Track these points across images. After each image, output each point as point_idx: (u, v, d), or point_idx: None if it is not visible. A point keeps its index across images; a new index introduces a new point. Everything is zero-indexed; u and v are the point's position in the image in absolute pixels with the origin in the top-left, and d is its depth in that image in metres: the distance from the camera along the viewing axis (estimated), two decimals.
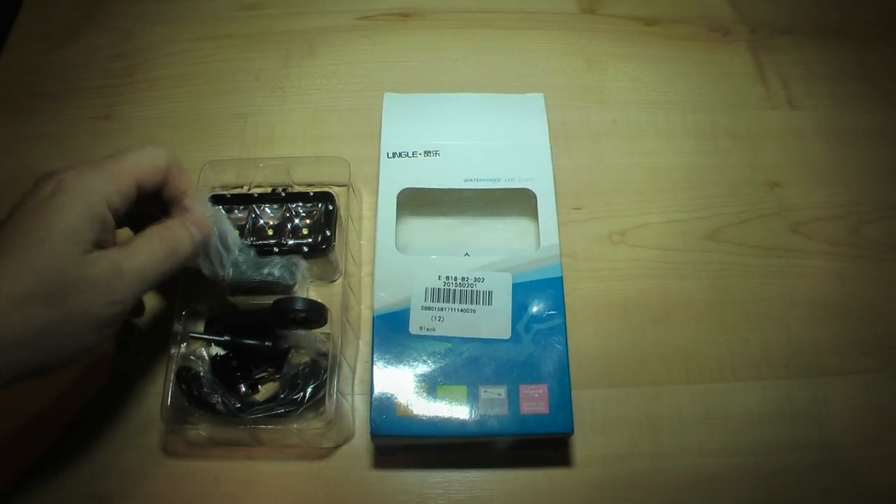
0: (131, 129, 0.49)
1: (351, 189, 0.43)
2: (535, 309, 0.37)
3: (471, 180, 0.41)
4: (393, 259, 0.39)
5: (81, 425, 0.38)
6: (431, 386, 0.35)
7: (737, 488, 0.38)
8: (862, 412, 0.40)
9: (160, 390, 0.36)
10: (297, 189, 0.43)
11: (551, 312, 0.37)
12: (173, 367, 0.36)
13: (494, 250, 0.40)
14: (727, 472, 0.38)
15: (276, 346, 0.37)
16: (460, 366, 0.36)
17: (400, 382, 0.35)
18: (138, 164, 0.32)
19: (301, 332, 0.37)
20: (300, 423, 0.36)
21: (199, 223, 0.34)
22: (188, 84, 0.51)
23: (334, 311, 0.38)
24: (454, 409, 0.35)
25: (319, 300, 0.37)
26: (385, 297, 0.37)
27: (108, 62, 0.52)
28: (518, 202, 0.42)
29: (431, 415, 0.34)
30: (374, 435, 0.35)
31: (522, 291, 0.37)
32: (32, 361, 0.28)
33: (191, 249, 0.33)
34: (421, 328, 0.37)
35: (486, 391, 0.35)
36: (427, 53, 0.52)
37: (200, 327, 0.39)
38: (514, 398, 0.35)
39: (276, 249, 0.39)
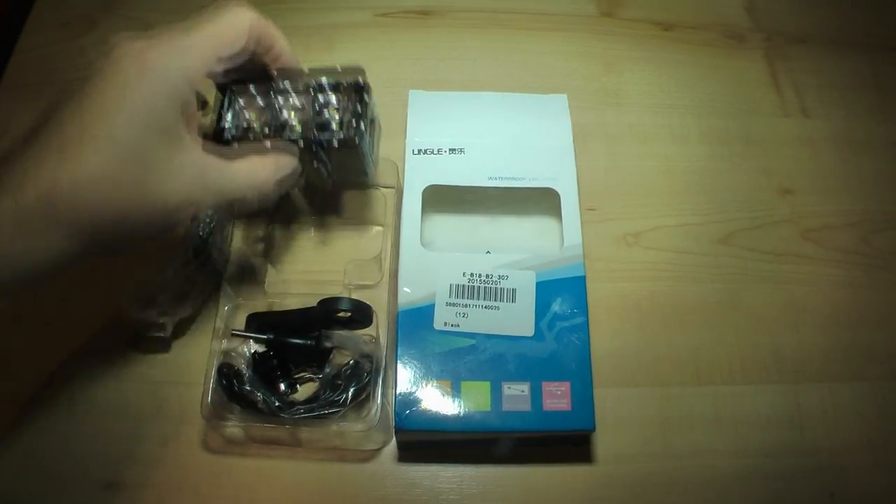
0: None
1: (398, 191, 0.43)
2: (557, 307, 0.37)
3: (495, 178, 0.41)
4: (417, 255, 0.39)
5: (117, 421, 0.39)
6: (455, 381, 0.35)
7: (745, 490, 0.38)
8: (869, 419, 0.40)
9: (200, 386, 0.36)
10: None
11: (574, 311, 0.37)
12: (214, 363, 0.36)
13: (518, 248, 0.41)
14: (736, 473, 0.38)
15: (318, 346, 0.37)
16: (484, 362, 0.36)
17: (424, 378, 0.36)
18: (219, 37, 0.30)
19: (344, 333, 0.37)
20: (342, 424, 0.36)
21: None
22: None
23: (380, 314, 0.38)
24: (478, 405, 0.35)
25: (365, 301, 0.37)
26: (409, 293, 0.38)
27: None
28: (541, 201, 0.42)
29: (455, 410, 0.35)
30: (398, 430, 0.35)
31: (545, 290, 0.38)
32: (107, 239, 0.28)
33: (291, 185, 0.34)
34: (445, 324, 0.37)
35: (509, 387, 0.35)
36: (445, 52, 0.53)
37: (242, 323, 0.39)
38: (536, 395, 0.35)
39: (300, 144, 0.34)
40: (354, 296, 0.38)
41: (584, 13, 0.55)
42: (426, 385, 0.35)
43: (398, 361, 0.36)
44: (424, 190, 0.41)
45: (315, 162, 0.36)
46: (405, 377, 0.35)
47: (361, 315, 0.36)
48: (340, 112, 0.35)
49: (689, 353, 0.42)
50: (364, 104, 0.35)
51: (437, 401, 0.35)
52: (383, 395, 0.36)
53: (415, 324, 0.37)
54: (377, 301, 0.39)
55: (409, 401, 0.35)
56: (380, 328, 0.38)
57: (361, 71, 0.36)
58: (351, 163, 0.37)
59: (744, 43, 0.54)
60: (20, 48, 0.53)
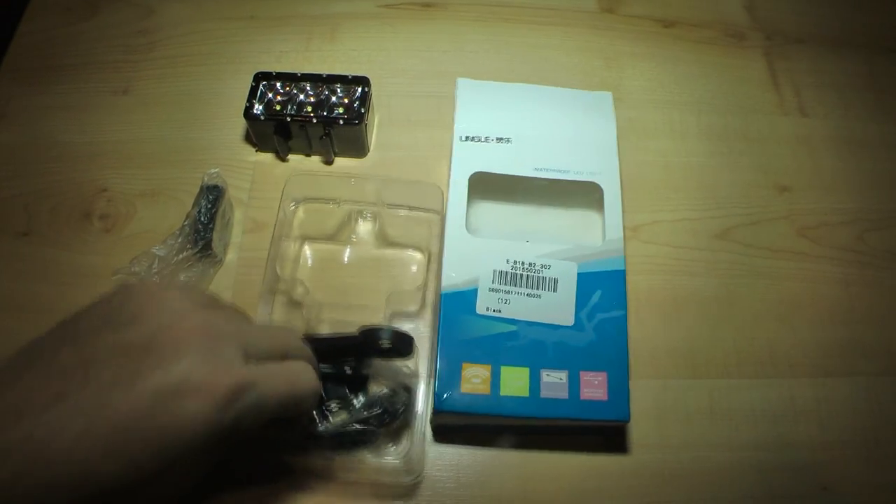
0: (149, 104, 0.49)
1: (443, 215, 0.41)
2: (597, 299, 0.38)
3: (541, 170, 0.42)
4: (462, 240, 0.39)
5: None
6: (495, 366, 0.36)
7: (738, 482, 0.38)
8: (862, 414, 0.41)
9: None
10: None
11: (613, 303, 0.38)
12: None
13: (560, 239, 0.41)
14: (730, 465, 0.39)
15: (356, 374, 0.36)
16: (523, 348, 0.36)
17: (464, 361, 0.36)
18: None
19: (384, 362, 0.36)
20: (375, 457, 0.35)
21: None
22: (209, 63, 0.51)
23: (419, 343, 0.37)
24: (516, 390, 0.35)
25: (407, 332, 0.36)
26: (454, 277, 0.38)
27: (128, 38, 0.52)
28: (584, 195, 0.42)
29: (494, 394, 0.35)
30: (437, 411, 0.35)
31: (586, 281, 0.38)
32: None
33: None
34: (487, 309, 0.37)
35: (548, 375, 0.36)
36: (447, 44, 0.53)
37: None
38: (574, 383, 0.36)
39: (314, 121, 0.43)
40: (394, 322, 0.38)
41: (585, 8, 0.55)
42: (466, 368, 0.35)
43: (440, 344, 0.36)
44: (471, 176, 0.41)
45: (323, 136, 0.44)
46: (446, 359, 0.36)
47: (403, 346, 0.35)
48: (347, 100, 0.45)
49: (684, 346, 0.42)
50: (364, 94, 0.45)
51: (477, 384, 0.35)
52: (421, 431, 0.35)
53: (457, 307, 0.37)
54: (416, 329, 0.39)
55: (448, 383, 0.35)
56: (419, 359, 0.37)
57: (367, 80, 0.45)
58: (352, 138, 0.45)
59: (743, 41, 0.55)
60: (21, 32, 0.53)
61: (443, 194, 0.42)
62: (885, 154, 0.50)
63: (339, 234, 0.44)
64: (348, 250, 0.43)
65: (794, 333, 0.43)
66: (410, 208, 0.43)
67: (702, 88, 0.52)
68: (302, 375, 0.30)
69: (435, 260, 0.41)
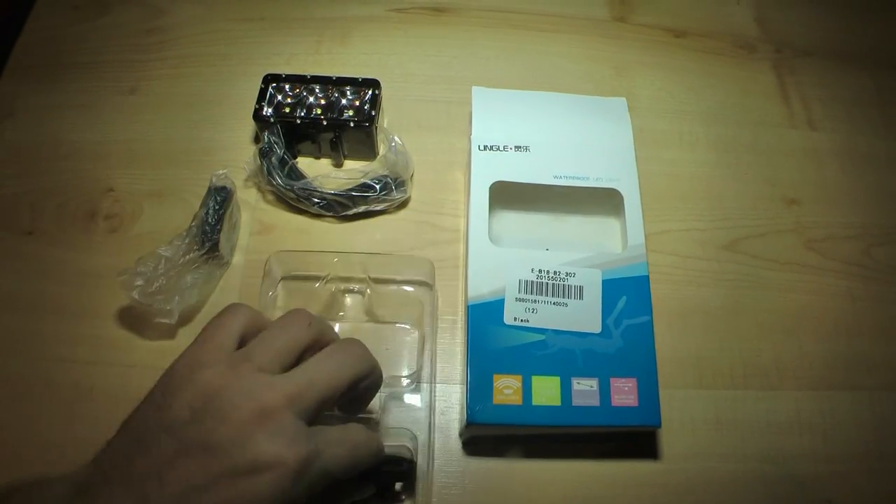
0: (157, 105, 0.49)
1: (435, 290, 0.41)
2: (622, 305, 0.38)
3: (560, 177, 0.41)
4: (486, 250, 0.39)
5: (118, 407, 0.36)
6: (526, 376, 0.36)
7: (744, 494, 0.39)
8: (866, 427, 0.41)
9: None
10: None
11: (639, 309, 0.38)
12: None
13: (582, 247, 0.41)
14: (735, 477, 0.39)
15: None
16: (553, 357, 0.36)
17: (495, 372, 0.36)
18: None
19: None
20: None
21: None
22: (219, 63, 0.51)
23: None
24: (548, 399, 0.35)
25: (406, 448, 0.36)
26: (480, 288, 0.38)
27: (137, 37, 0.52)
28: (604, 201, 0.42)
29: (526, 404, 0.35)
30: (470, 423, 0.35)
31: (611, 288, 0.38)
32: None
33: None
34: (515, 319, 0.37)
35: (578, 383, 0.36)
36: (458, 49, 0.53)
37: None
38: (605, 390, 0.36)
39: (324, 123, 0.44)
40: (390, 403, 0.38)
41: (596, 17, 0.56)
42: (497, 380, 0.35)
43: (469, 356, 0.36)
44: (491, 186, 0.41)
45: (333, 139, 0.45)
46: (476, 370, 0.36)
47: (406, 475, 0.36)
48: (357, 102, 0.45)
49: (690, 356, 0.42)
50: (375, 96, 0.45)
51: (508, 395, 0.35)
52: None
53: (485, 318, 0.37)
54: (411, 411, 0.39)
55: (480, 394, 0.35)
56: (418, 451, 0.37)
57: (377, 83, 0.46)
58: (362, 142, 0.45)
59: (753, 53, 0.55)
60: (28, 29, 0.52)
61: (433, 267, 0.41)
62: (891, 169, 0.50)
63: (325, 312, 0.41)
64: (337, 328, 0.41)
65: (800, 346, 0.43)
66: (400, 283, 0.42)
67: (711, 99, 0.52)
68: (362, 439, 0.30)
69: (429, 340, 0.40)
